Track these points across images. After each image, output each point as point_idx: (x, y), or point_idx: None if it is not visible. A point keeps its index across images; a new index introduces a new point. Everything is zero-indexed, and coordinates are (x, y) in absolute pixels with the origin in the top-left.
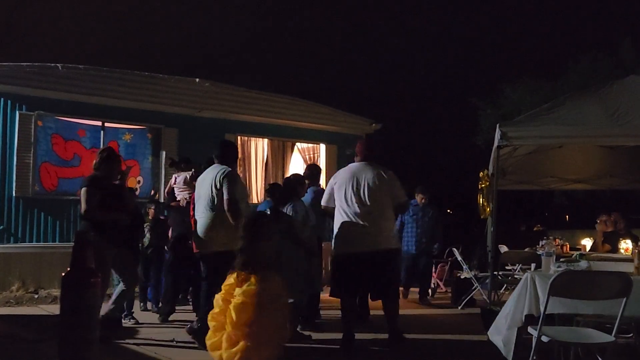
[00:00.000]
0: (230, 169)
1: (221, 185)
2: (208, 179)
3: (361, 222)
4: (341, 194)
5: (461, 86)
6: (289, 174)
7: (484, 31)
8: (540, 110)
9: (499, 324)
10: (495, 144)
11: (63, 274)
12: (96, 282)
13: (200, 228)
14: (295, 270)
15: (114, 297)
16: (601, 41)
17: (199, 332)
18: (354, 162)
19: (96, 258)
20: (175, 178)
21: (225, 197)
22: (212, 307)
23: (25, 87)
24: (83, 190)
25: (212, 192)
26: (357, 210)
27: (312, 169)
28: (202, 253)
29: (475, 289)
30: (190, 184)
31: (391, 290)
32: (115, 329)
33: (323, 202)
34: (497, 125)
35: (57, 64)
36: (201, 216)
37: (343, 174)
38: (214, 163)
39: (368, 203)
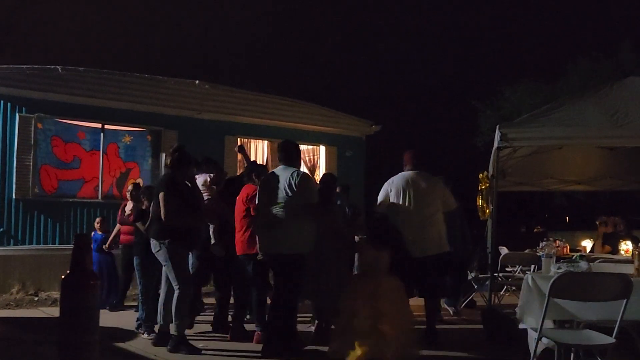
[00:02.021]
0: (303, 172)
1: (298, 189)
2: (281, 181)
3: (418, 228)
4: (398, 200)
5: (461, 88)
6: None
7: (483, 33)
8: (540, 111)
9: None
10: (495, 145)
11: (63, 277)
12: (96, 285)
13: (273, 230)
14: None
15: (174, 312)
16: (600, 43)
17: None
18: (403, 170)
19: (173, 263)
20: (196, 178)
21: (306, 201)
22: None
23: (25, 89)
24: (161, 195)
25: (287, 194)
26: (414, 216)
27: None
28: (272, 254)
29: (475, 290)
30: (209, 187)
31: (437, 290)
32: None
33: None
34: (497, 127)
35: (57, 66)
36: (274, 219)
37: (399, 181)
38: (262, 172)
39: (424, 210)
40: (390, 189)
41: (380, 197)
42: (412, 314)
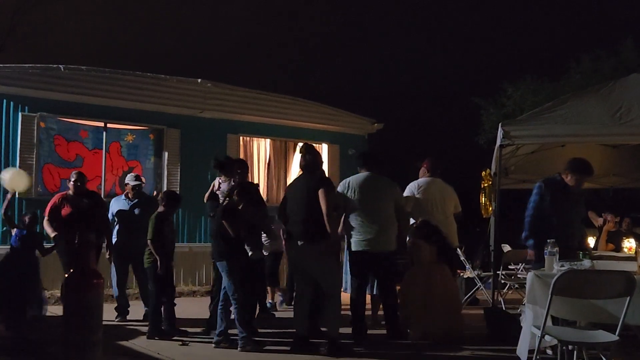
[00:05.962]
0: (394, 182)
1: (394, 194)
2: (373, 187)
3: (443, 225)
4: (426, 203)
5: (463, 85)
6: (291, 174)
7: (486, 30)
8: (543, 109)
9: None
10: (498, 143)
11: (66, 275)
12: (99, 284)
13: (373, 231)
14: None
15: (331, 315)
16: (603, 41)
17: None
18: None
19: (330, 265)
20: (220, 184)
21: (402, 207)
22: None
23: (27, 88)
24: (323, 191)
25: (383, 198)
26: (440, 216)
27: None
28: (380, 252)
29: (477, 288)
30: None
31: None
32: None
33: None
34: (500, 124)
35: (60, 65)
36: (372, 220)
37: (425, 185)
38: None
39: (444, 211)
40: (419, 193)
41: (407, 195)
42: (460, 299)
